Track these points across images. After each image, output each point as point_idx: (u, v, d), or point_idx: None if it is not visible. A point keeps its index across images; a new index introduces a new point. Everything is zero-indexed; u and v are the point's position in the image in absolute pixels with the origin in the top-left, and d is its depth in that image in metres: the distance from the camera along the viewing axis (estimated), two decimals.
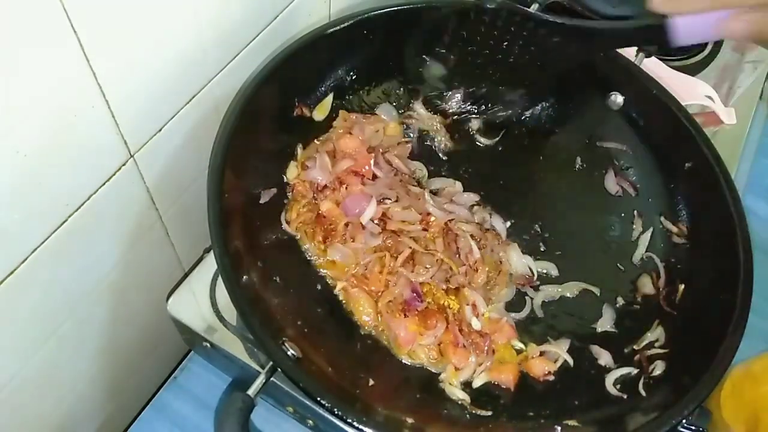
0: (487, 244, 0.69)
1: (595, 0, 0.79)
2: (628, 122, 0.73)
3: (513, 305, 0.67)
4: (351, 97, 0.75)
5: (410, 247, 0.65)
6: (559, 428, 0.57)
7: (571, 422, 0.57)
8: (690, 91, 0.83)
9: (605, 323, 0.66)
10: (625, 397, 0.60)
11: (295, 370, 0.51)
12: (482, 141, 0.78)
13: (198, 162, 0.65)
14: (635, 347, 0.63)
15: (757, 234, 0.62)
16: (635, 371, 0.61)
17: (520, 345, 0.64)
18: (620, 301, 0.67)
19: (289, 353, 0.52)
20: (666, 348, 0.62)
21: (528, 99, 0.78)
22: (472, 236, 0.68)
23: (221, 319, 0.64)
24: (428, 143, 0.77)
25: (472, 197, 0.73)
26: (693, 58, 0.94)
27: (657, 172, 0.72)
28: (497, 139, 0.78)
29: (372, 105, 0.76)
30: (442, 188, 0.73)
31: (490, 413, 0.59)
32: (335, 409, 0.49)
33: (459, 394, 0.60)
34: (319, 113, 0.72)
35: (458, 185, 0.74)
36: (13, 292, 0.51)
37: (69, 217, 0.54)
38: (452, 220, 0.68)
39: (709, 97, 0.84)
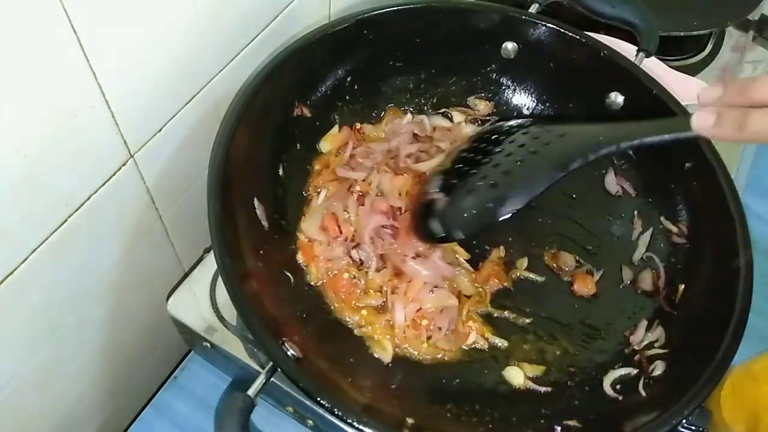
0: None
1: (595, 0, 0.79)
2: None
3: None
4: (350, 97, 0.75)
5: None
6: (559, 428, 0.57)
7: (571, 422, 0.57)
8: (690, 91, 0.83)
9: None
10: (624, 397, 0.60)
11: (295, 370, 0.51)
12: None
13: (198, 162, 0.65)
14: (635, 347, 0.63)
15: (757, 234, 0.62)
16: (635, 371, 0.61)
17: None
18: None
19: (289, 353, 0.52)
20: (666, 348, 0.62)
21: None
22: None
23: (221, 319, 0.64)
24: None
25: None
26: (693, 58, 0.94)
27: (657, 172, 0.72)
28: None
29: (371, 105, 0.76)
30: None
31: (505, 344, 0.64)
32: (335, 409, 0.49)
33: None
34: (325, 145, 0.73)
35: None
36: (13, 292, 0.51)
37: (69, 217, 0.54)
38: None
39: None
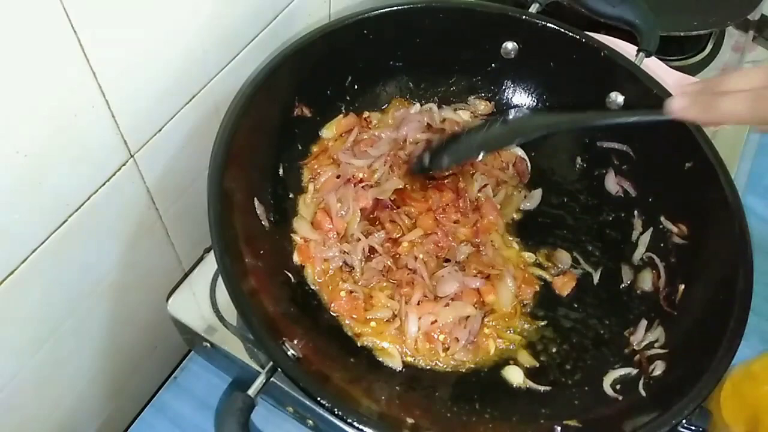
0: None
1: (595, 0, 0.79)
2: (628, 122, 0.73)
3: None
4: (351, 97, 0.75)
5: None
6: (559, 428, 0.57)
7: (571, 422, 0.57)
8: None
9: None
10: (624, 397, 0.60)
11: (295, 370, 0.51)
12: None
13: (198, 162, 0.65)
14: (635, 347, 0.63)
15: (757, 234, 0.62)
16: (635, 371, 0.61)
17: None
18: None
19: (289, 353, 0.52)
20: (666, 348, 0.62)
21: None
22: None
23: (221, 319, 0.64)
24: None
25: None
26: (693, 58, 0.94)
27: (657, 172, 0.72)
28: None
29: (372, 105, 0.76)
30: None
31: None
32: (335, 409, 0.49)
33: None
34: (328, 131, 0.73)
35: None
36: (13, 292, 0.51)
37: (69, 217, 0.54)
38: None
39: None
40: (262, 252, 0.61)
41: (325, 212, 0.67)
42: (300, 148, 0.71)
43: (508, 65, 0.77)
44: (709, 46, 0.96)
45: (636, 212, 0.73)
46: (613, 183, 0.75)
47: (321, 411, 0.56)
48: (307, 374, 0.52)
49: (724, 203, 0.62)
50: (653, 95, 0.69)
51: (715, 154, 0.65)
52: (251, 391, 0.52)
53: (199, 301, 0.66)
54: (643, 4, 0.78)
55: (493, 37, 0.76)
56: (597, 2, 0.79)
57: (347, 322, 0.63)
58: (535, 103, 0.79)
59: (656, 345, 0.62)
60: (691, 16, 0.90)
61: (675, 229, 0.69)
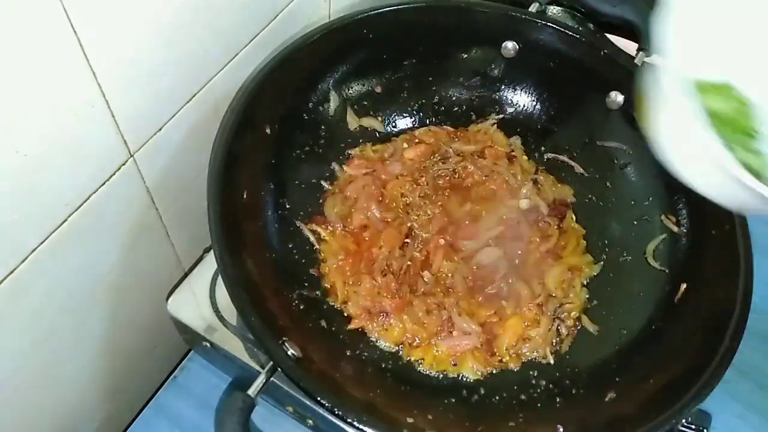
0: None
1: (595, 0, 0.79)
2: (628, 122, 0.73)
3: None
4: (351, 97, 0.75)
5: None
6: (560, 428, 0.57)
7: (572, 423, 0.57)
8: None
9: None
10: (625, 397, 0.60)
11: (295, 370, 0.51)
12: None
13: (198, 162, 0.65)
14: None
15: (757, 234, 0.62)
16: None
17: None
18: None
19: (289, 353, 0.52)
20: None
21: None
22: None
23: (221, 319, 0.64)
24: None
25: None
26: None
27: (657, 172, 0.71)
28: None
29: (372, 106, 0.76)
30: None
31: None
32: (335, 409, 0.49)
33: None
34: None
35: None
36: (13, 292, 0.51)
37: (69, 217, 0.54)
38: None
39: None
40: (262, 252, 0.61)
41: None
42: (299, 148, 0.71)
43: (508, 65, 0.77)
44: None
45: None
46: None
47: (321, 411, 0.56)
48: (307, 374, 0.52)
49: None
50: None
51: None
52: (251, 391, 0.52)
53: (199, 301, 0.66)
54: (643, 3, 0.78)
55: (493, 37, 0.76)
56: (597, 2, 0.79)
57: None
58: (535, 103, 0.79)
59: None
60: None
61: (675, 229, 0.69)
